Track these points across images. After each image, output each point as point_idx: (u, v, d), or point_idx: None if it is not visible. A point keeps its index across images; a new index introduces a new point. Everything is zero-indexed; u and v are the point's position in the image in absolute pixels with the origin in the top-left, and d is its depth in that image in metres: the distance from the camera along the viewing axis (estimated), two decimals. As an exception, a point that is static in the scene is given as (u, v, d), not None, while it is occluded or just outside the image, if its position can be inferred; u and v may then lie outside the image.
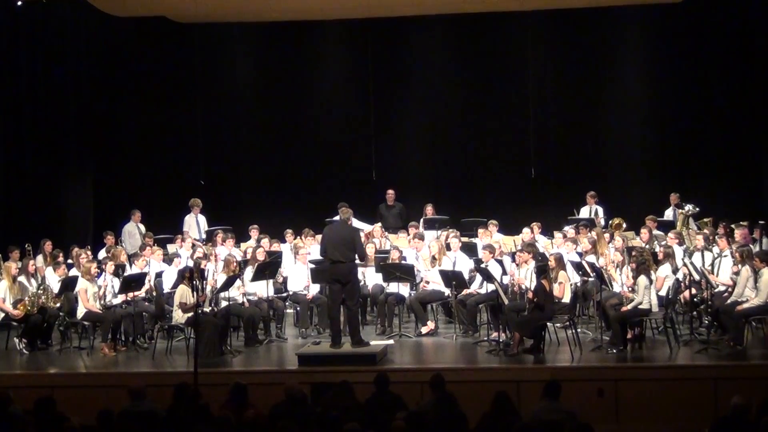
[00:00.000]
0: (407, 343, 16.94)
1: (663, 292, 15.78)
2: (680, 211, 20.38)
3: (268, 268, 17.39)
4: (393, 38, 24.09)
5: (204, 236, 21.09)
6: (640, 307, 15.29)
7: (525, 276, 16.40)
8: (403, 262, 17.87)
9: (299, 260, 18.20)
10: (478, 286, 17.28)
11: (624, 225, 19.83)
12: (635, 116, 23.52)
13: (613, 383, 14.24)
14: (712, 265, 16.71)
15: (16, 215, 21.11)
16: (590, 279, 16.98)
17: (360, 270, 17.01)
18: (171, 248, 19.71)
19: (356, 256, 15.91)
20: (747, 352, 15.13)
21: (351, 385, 12.04)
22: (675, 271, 16.43)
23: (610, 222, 20.15)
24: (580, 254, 17.70)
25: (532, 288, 15.71)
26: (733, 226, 18.09)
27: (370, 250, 18.01)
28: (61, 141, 22.54)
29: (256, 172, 24.65)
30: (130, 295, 16.91)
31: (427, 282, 17.86)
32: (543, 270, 15.59)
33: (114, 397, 13.10)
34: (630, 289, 15.77)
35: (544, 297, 15.32)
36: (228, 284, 16.65)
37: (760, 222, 18.65)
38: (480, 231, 19.54)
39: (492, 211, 21.14)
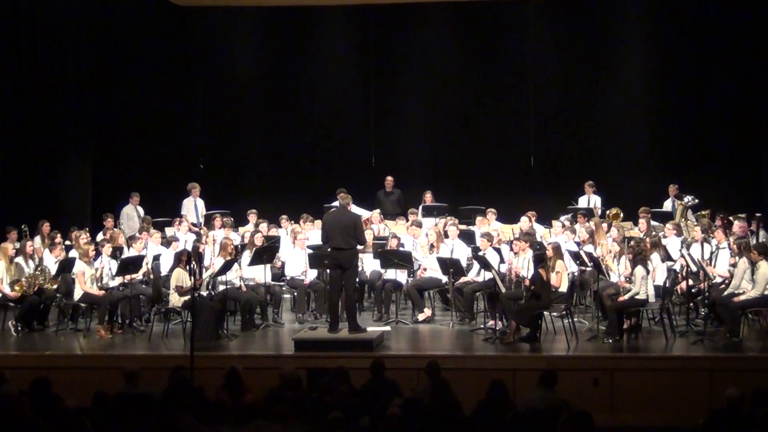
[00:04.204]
0: (404, 330, 16.96)
1: (656, 282, 15.79)
2: (679, 202, 20.39)
3: (266, 252, 17.40)
4: (394, 25, 24.07)
5: (202, 220, 21.11)
6: (636, 297, 15.32)
7: (522, 264, 16.42)
8: (401, 248, 17.88)
9: (297, 245, 18.21)
10: (476, 274, 17.32)
11: (621, 215, 19.87)
12: (635, 107, 23.54)
13: (609, 373, 14.27)
14: (710, 256, 16.72)
15: (14, 196, 21.10)
16: (588, 269, 17.07)
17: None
18: (169, 231, 19.72)
19: (357, 243, 15.96)
20: (743, 343, 15.17)
21: (347, 370, 12.08)
22: (665, 259, 16.45)
23: (608, 212, 20.17)
24: (578, 244, 17.72)
25: (530, 277, 15.76)
26: (731, 218, 18.10)
27: (368, 236, 18.01)
28: (61, 123, 22.50)
29: (256, 156, 24.65)
30: (128, 277, 16.94)
31: (425, 269, 17.88)
32: (540, 259, 15.60)
33: (110, 379, 13.03)
34: (627, 279, 15.81)
35: (541, 286, 15.36)
36: (225, 268, 16.67)
37: (758, 214, 18.67)
38: (478, 219, 19.60)
39: (491, 199, 21.12)
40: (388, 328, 16.66)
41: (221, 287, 17.00)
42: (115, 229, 19.64)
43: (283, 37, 24.37)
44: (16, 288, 16.78)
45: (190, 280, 15.73)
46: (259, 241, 17.82)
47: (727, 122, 22.72)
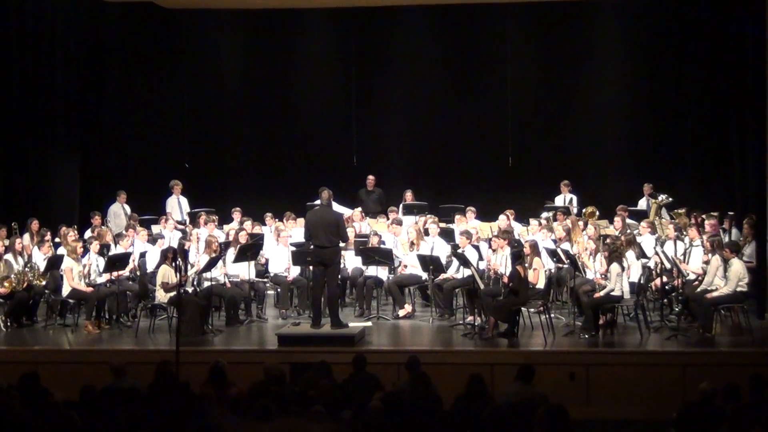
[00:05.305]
0: (385, 326, 17.20)
1: (631, 279, 16.07)
2: (653, 200, 20.59)
3: (250, 250, 17.59)
4: (376, 27, 24.17)
5: (186, 218, 21.28)
6: (612, 293, 15.54)
7: (501, 262, 16.58)
8: (382, 246, 18.10)
9: (281, 243, 18.41)
10: (455, 271, 17.52)
11: (597, 213, 20.06)
12: (611, 107, 23.65)
13: (585, 368, 14.51)
14: (684, 254, 16.98)
15: (3, 194, 21.18)
16: (564, 266, 17.26)
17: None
18: (156, 229, 19.90)
19: (340, 240, 16.19)
20: (715, 339, 15.36)
21: (329, 365, 12.23)
22: (639, 257, 16.72)
23: (584, 210, 20.36)
24: (555, 241, 17.95)
25: (508, 273, 15.94)
26: (704, 216, 18.34)
27: (350, 233, 18.20)
28: (49, 122, 22.50)
29: (240, 155, 24.77)
30: (115, 274, 17.14)
31: (405, 266, 18.11)
32: (518, 256, 15.79)
33: (97, 373, 13.15)
34: (603, 276, 16.04)
35: (519, 283, 15.53)
36: (210, 265, 16.91)
37: (730, 213, 18.94)
38: (457, 217, 19.79)
39: (470, 197, 21.28)
40: (369, 323, 16.88)
41: (206, 284, 17.22)
42: (102, 227, 19.75)
43: (266, 39, 24.49)
44: (6, 284, 16.90)
45: (176, 276, 15.97)
46: (243, 238, 17.99)
47: (699, 122, 22.78)
